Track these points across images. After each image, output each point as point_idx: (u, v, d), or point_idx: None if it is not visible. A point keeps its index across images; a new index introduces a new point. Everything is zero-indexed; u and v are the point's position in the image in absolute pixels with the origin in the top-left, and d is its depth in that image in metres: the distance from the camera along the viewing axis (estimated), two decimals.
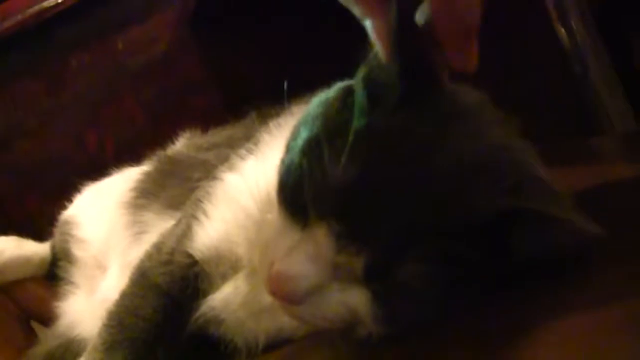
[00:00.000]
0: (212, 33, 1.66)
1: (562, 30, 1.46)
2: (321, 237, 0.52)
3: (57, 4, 1.62)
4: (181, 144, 1.01)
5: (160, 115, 1.65)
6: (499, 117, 0.58)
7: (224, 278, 0.70)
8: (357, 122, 0.53)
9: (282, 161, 0.58)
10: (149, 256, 0.74)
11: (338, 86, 0.60)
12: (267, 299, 0.64)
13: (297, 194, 0.54)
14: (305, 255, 0.52)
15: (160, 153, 0.99)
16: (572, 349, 0.41)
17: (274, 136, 0.70)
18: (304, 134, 0.56)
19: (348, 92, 0.57)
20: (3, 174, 1.60)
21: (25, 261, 0.99)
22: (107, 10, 1.65)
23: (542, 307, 0.49)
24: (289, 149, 0.58)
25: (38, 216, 1.13)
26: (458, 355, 0.49)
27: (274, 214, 0.58)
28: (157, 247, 0.74)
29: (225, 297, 0.69)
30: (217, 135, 0.94)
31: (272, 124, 0.72)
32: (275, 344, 0.69)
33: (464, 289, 0.52)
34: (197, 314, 0.70)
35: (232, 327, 0.69)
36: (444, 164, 0.51)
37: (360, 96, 0.54)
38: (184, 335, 0.70)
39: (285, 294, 0.53)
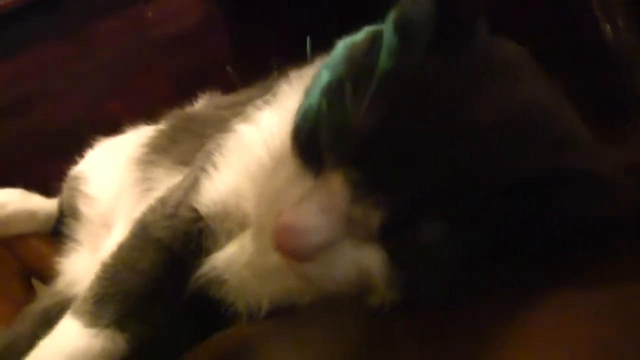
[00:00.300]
0: (240, 9, 1.62)
1: (607, 26, 1.41)
2: (336, 185, 0.47)
3: None
4: (200, 104, 0.96)
5: (185, 87, 1.61)
6: (539, 72, 0.53)
7: (230, 236, 0.65)
8: (385, 64, 0.48)
9: (300, 106, 0.53)
10: (152, 209, 0.69)
11: (367, 29, 0.55)
12: (273, 259, 0.59)
13: (312, 138, 0.50)
14: (318, 206, 0.47)
15: (176, 111, 0.94)
16: None
17: (293, 87, 0.65)
18: (325, 77, 0.51)
19: (377, 35, 0.52)
20: (23, 137, 1.58)
21: (30, 215, 0.95)
22: None
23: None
24: (307, 94, 0.53)
25: (56, 182, 1.08)
26: (473, 331, 0.44)
27: (287, 164, 0.53)
28: (162, 200, 0.69)
29: (229, 257, 0.64)
30: (238, 95, 0.89)
31: (292, 75, 0.66)
32: (279, 310, 0.63)
33: (490, 259, 0.46)
34: (198, 273, 0.65)
35: (234, 289, 0.64)
36: (477, 118, 0.45)
37: (389, 38, 0.49)
38: (183, 295, 0.65)
39: (293, 248, 0.48)
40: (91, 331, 0.60)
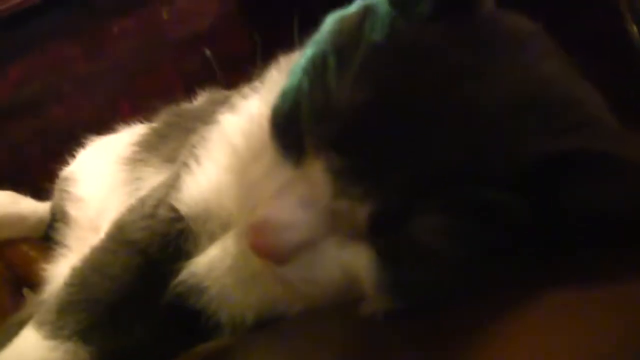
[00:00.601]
0: (260, 10, 1.57)
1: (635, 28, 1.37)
2: (318, 174, 0.40)
3: None
4: (198, 100, 0.90)
5: (199, 88, 1.58)
6: (553, 49, 0.46)
7: (212, 239, 0.58)
8: (376, 35, 0.41)
9: (280, 89, 0.46)
10: (131, 209, 0.63)
11: (359, 2, 0.47)
12: (254, 266, 0.52)
13: (292, 121, 0.43)
14: (297, 199, 0.41)
15: (170, 107, 0.87)
16: None
17: (282, 71, 0.57)
18: (309, 52, 0.45)
19: (370, 8, 0.45)
20: (33, 137, 1.55)
21: (19, 219, 0.90)
22: None
23: None
24: (290, 72, 0.46)
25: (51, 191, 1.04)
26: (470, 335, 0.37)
27: (267, 154, 0.46)
28: (142, 199, 0.63)
29: (211, 261, 0.57)
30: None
31: (282, 59, 0.59)
32: (265, 321, 0.55)
33: (494, 255, 0.39)
34: (177, 279, 0.57)
35: (216, 298, 0.57)
36: (481, 95, 0.39)
37: (383, 8, 0.43)
38: (159, 304, 0.58)
39: (268, 247, 0.42)
40: (50, 343, 0.54)
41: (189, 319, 0.58)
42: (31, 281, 0.89)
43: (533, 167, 0.37)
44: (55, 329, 0.55)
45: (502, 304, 0.38)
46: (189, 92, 1.48)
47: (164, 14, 1.60)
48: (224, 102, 0.70)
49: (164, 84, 1.57)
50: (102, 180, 0.84)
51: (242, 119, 0.58)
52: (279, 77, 0.58)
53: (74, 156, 0.95)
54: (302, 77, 0.43)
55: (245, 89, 0.61)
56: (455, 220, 0.38)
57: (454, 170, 0.38)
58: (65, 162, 1.06)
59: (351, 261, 0.42)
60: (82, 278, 0.58)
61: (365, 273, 0.42)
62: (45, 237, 0.92)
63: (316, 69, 0.42)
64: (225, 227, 0.57)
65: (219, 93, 0.88)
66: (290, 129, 0.43)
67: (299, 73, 0.44)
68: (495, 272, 0.40)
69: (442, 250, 0.39)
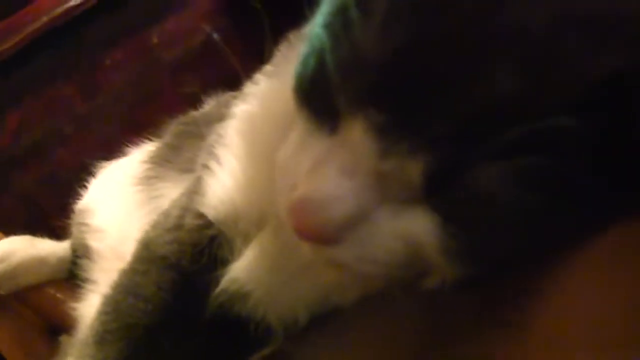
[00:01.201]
0: (253, 21, 1.54)
1: None
2: (358, 136, 0.35)
3: (84, 1, 1.53)
4: (207, 107, 0.86)
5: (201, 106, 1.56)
6: None
7: (247, 239, 0.53)
8: None
9: (300, 56, 0.42)
10: (154, 225, 0.59)
11: None
12: (300, 257, 0.47)
13: (319, 84, 0.38)
14: (338, 168, 0.36)
15: (177, 118, 0.83)
16: None
17: (293, 48, 0.53)
18: (326, 8, 0.40)
19: None
20: (42, 184, 1.51)
21: (39, 262, 0.86)
22: (139, 2, 1.56)
23: None
24: (305, 38, 0.42)
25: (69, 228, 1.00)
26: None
27: (296, 129, 0.42)
28: (166, 213, 0.59)
29: (250, 264, 0.52)
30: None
31: (292, 36, 0.54)
32: (319, 317, 0.51)
33: (569, 197, 0.34)
34: (217, 289, 0.53)
35: (262, 302, 0.52)
36: (530, 15, 0.33)
37: None
38: (202, 318, 0.53)
39: (314, 228, 0.37)
40: None
41: (237, 329, 0.54)
42: (63, 324, 0.85)
43: (599, 88, 0.32)
44: None
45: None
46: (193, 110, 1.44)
47: (154, 38, 1.57)
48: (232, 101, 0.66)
49: (166, 109, 1.52)
50: (119, 206, 0.80)
51: (258, 105, 0.53)
52: (292, 53, 0.53)
53: (85, 187, 0.91)
54: (323, 36, 0.38)
55: (256, 76, 0.56)
56: (520, 161, 0.33)
57: (511, 105, 0.33)
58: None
59: (410, 228, 0.37)
60: (114, 305, 0.54)
61: (428, 239, 0.37)
62: (70, 276, 0.88)
63: (338, 24, 0.38)
64: (259, 225, 0.53)
65: (226, 95, 0.84)
66: (319, 95, 0.39)
67: (318, 33, 0.39)
68: (568, 214, 0.35)
69: (509, 198, 0.34)
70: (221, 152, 0.55)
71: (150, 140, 0.88)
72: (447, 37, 0.33)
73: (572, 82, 0.33)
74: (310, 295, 0.50)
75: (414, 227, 0.37)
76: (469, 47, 0.33)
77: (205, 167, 0.56)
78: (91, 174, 1.12)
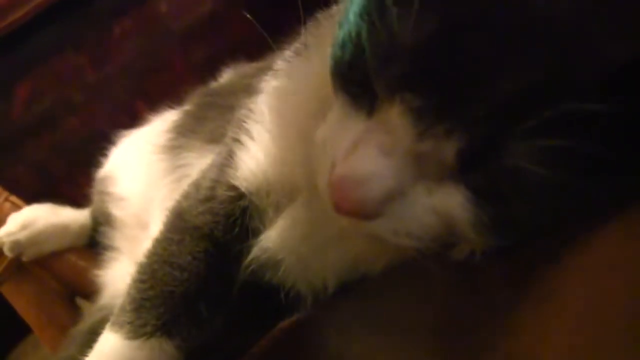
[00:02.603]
0: None
1: None
2: (395, 119, 0.37)
3: None
4: (225, 77, 0.86)
5: (212, 76, 1.55)
6: None
7: (278, 210, 0.55)
8: None
9: (335, 39, 0.43)
10: (186, 195, 0.60)
11: None
12: (334, 226, 0.50)
13: (356, 69, 0.40)
14: (377, 147, 0.38)
15: (199, 89, 0.84)
16: None
17: (323, 27, 0.54)
18: None
19: None
20: (53, 154, 1.52)
21: (61, 230, 0.87)
22: None
23: None
24: (341, 23, 0.43)
25: (89, 196, 1.01)
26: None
27: (332, 109, 0.43)
28: (196, 184, 0.60)
29: (282, 233, 0.54)
30: (265, 60, 0.78)
31: (321, 16, 0.55)
32: (348, 285, 0.52)
33: (599, 174, 0.36)
34: (249, 258, 0.55)
35: (293, 270, 0.54)
36: (558, 4, 0.34)
37: None
38: (234, 286, 0.55)
39: (355, 204, 0.38)
40: (134, 343, 0.51)
41: (268, 296, 0.56)
42: (84, 290, 0.87)
43: (621, 72, 0.34)
44: (137, 328, 0.52)
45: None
46: (202, 82, 1.45)
47: (163, 7, 1.57)
48: (256, 74, 0.67)
49: (176, 78, 1.53)
50: (142, 174, 0.81)
51: (290, 83, 0.54)
52: (322, 33, 0.54)
53: (99, 156, 0.92)
54: (359, 22, 0.40)
55: (286, 53, 0.57)
56: (549, 141, 0.34)
57: (539, 88, 0.34)
58: (90, 171, 1.03)
59: (444, 204, 0.39)
60: (151, 273, 0.55)
61: (461, 214, 0.38)
62: (91, 243, 0.90)
63: (374, 12, 0.39)
64: (290, 196, 0.54)
65: (246, 66, 0.84)
66: (356, 78, 0.40)
67: (353, 19, 0.40)
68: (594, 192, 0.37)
69: (540, 176, 0.35)
70: (253, 126, 0.57)
71: (172, 109, 0.88)
72: (480, 23, 0.35)
73: (596, 66, 0.34)
74: (340, 264, 0.52)
75: (448, 203, 0.39)
76: (502, 33, 0.34)
77: (237, 140, 0.57)
78: (102, 142, 1.13)
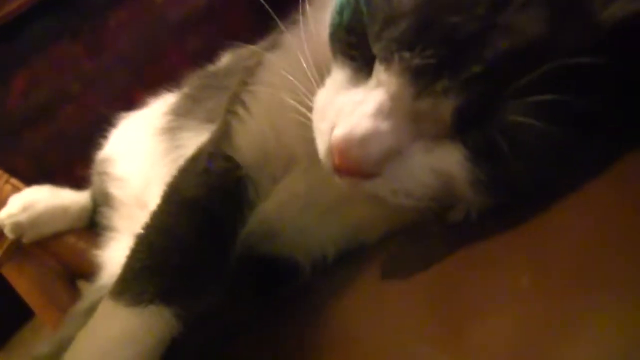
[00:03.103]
0: None
1: None
2: (393, 79, 0.38)
3: None
4: (224, 60, 0.87)
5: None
6: None
7: (274, 181, 0.56)
8: None
9: (332, 6, 0.44)
10: (182, 169, 0.61)
11: None
12: (331, 196, 0.51)
13: (355, 33, 0.41)
14: (376, 108, 0.39)
15: (197, 72, 0.85)
16: None
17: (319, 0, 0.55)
18: None
19: None
20: (50, 143, 1.53)
21: (62, 211, 0.88)
22: None
23: None
24: None
25: (88, 178, 1.02)
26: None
27: (331, 74, 0.45)
28: (193, 157, 0.61)
29: (279, 204, 0.56)
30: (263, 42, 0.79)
31: None
32: (346, 254, 0.54)
33: (592, 128, 0.37)
34: (246, 229, 0.55)
35: (291, 241, 0.56)
36: None
37: None
38: (231, 256, 0.56)
39: (355, 162, 0.39)
40: (133, 310, 0.51)
41: (266, 266, 0.57)
42: (84, 271, 0.88)
43: (611, 32, 0.35)
44: (135, 295, 0.52)
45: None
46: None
47: None
48: (251, 57, 0.68)
49: (172, 68, 1.53)
50: (141, 155, 0.82)
51: (286, 53, 0.55)
52: (317, 4, 0.55)
53: (106, 137, 0.93)
54: None
55: (282, 25, 0.58)
56: (544, 97, 0.35)
57: (536, 46, 0.35)
58: (87, 161, 1.04)
59: (442, 163, 0.40)
60: (148, 244, 0.56)
61: (459, 172, 0.40)
62: (90, 225, 0.91)
63: None
64: (286, 168, 0.55)
65: (243, 49, 0.85)
66: (355, 41, 0.41)
67: None
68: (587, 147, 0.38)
69: (534, 135, 0.36)
70: (248, 98, 0.57)
71: (170, 91, 0.89)
72: None
73: (589, 25, 0.35)
74: (339, 233, 0.53)
75: (446, 161, 0.40)
76: None
77: (232, 112, 0.58)
78: (99, 131, 1.14)
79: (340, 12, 0.43)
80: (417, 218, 0.44)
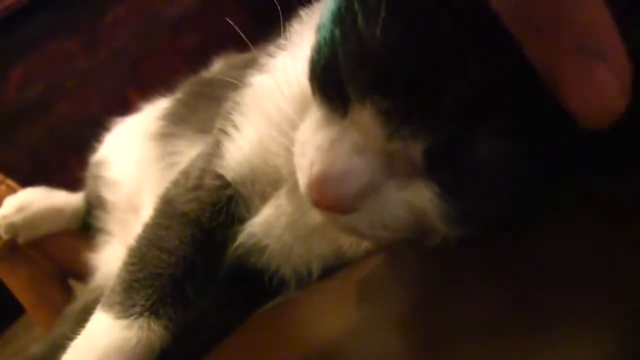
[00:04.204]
0: None
1: None
2: (366, 120, 0.39)
3: None
4: (216, 67, 0.89)
5: (203, 64, 1.57)
6: None
7: (263, 199, 0.58)
8: None
9: (312, 44, 0.45)
10: (175, 183, 0.63)
11: None
12: (316, 216, 0.52)
13: (331, 73, 0.42)
14: (351, 147, 0.40)
15: (191, 77, 0.87)
16: None
17: (305, 24, 0.57)
18: (332, 4, 0.43)
19: None
20: (45, 138, 1.54)
21: (56, 212, 0.90)
22: None
23: None
24: (319, 28, 0.45)
25: (83, 180, 1.04)
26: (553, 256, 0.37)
27: (311, 109, 0.46)
28: (185, 172, 0.63)
29: (267, 220, 0.57)
30: (254, 52, 0.80)
31: (303, 12, 0.58)
32: (331, 270, 0.56)
33: (555, 167, 0.38)
34: (236, 243, 0.58)
35: (278, 256, 0.57)
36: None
37: None
38: (220, 270, 0.58)
39: (333, 199, 0.41)
40: (123, 322, 0.54)
41: (252, 280, 0.59)
42: (76, 272, 0.90)
43: None
44: (126, 308, 0.54)
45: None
46: (192, 69, 1.47)
47: None
48: (245, 65, 0.70)
49: (166, 66, 1.55)
50: (134, 160, 0.83)
51: (274, 77, 0.57)
52: (304, 31, 0.57)
53: (100, 141, 0.94)
54: (332, 28, 0.42)
55: (271, 47, 0.60)
56: (513, 138, 0.37)
57: (499, 91, 0.36)
58: (82, 155, 1.06)
59: (414, 199, 0.41)
60: (140, 256, 0.58)
61: (429, 207, 0.41)
62: (84, 226, 0.92)
63: (346, 19, 0.41)
64: (275, 186, 0.57)
65: (235, 57, 0.87)
66: (331, 81, 0.42)
67: (328, 25, 0.43)
68: (558, 185, 0.40)
69: (500, 172, 0.38)
70: (238, 118, 0.59)
71: (163, 96, 0.91)
72: (441, 31, 0.37)
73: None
74: (323, 251, 0.55)
75: (418, 197, 0.41)
76: (464, 38, 0.36)
77: (223, 132, 0.60)
78: (94, 127, 1.15)
79: (317, 51, 0.44)
80: (396, 243, 0.46)
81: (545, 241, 0.40)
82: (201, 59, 1.42)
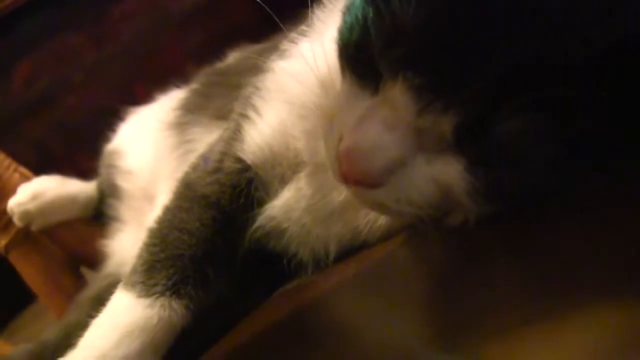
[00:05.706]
0: None
1: None
2: (397, 96, 0.40)
3: None
4: (231, 58, 0.89)
5: (209, 61, 1.57)
6: None
7: (283, 182, 0.59)
8: None
9: (342, 23, 0.47)
10: (194, 167, 0.63)
11: None
12: (335, 198, 0.54)
13: (363, 50, 0.43)
14: (381, 122, 0.41)
15: (206, 68, 0.88)
16: None
17: (329, 10, 0.58)
18: None
19: None
20: (52, 131, 1.54)
21: (70, 201, 0.91)
22: None
23: None
24: (347, 8, 0.46)
25: (90, 173, 1.05)
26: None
27: (338, 88, 0.47)
28: (205, 156, 0.64)
29: (286, 204, 0.58)
30: (270, 41, 0.81)
31: (326, 1, 0.59)
32: (348, 252, 0.57)
33: (582, 148, 0.39)
34: (255, 226, 0.59)
35: (297, 238, 0.58)
36: None
37: None
38: (239, 252, 0.59)
39: (361, 173, 0.42)
40: (145, 301, 0.54)
41: (271, 262, 0.60)
42: (89, 259, 0.90)
43: (612, 54, 0.37)
44: (148, 287, 0.55)
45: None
46: (199, 65, 1.48)
47: None
48: (262, 54, 0.70)
49: (173, 61, 1.56)
50: (149, 149, 0.84)
51: (296, 63, 0.58)
52: (327, 16, 0.58)
53: (113, 131, 0.95)
54: (365, 7, 0.43)
55: (292, 34, 0.61)
56: (537, 117, 0.38)
57: (531, 68, 0.37)
58: (88, 150, 1.06)
59: (442, 174, 0.42)
60: (161, 237, 0.59)
61: (457, 182, 0.42)
62: (96, 215, 0.93)
63: None
64: (294, 169, 0.58)
65: (250, 47, 0.88)
66: (362, 58, 0.44)
67: (360, 4, 0.44)
68: (580, 167, 0.40)
69: (528, 148, 0.39)
70: (259, 102, 0.60)
71: (178, 87, 0.91)
72: (475, 7, 0.38)
73: (580, 48, 0.37)
74: (341, 234, 0.56)
75: (445, 172, 0.42)
76: (488, 18, 0.37)
77: (244, 116, 0.61)
78: (100, 121, 1.16)
79: (349, 30, 0.45)
80: (419, 220, 0.46)
81: (572, 226, 0.41)
82: (208, 54, 1.43)
